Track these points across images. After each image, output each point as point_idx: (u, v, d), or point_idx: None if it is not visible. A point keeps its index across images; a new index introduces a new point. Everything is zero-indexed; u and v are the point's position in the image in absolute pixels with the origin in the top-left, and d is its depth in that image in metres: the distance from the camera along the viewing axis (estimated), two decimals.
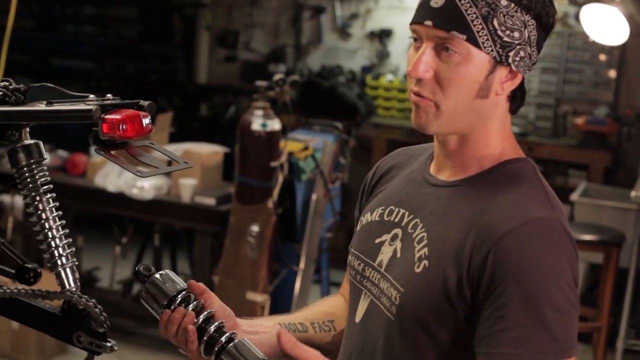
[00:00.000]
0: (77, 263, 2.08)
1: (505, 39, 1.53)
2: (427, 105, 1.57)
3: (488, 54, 1.53)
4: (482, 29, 1.51)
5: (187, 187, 5.17)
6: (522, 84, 1.61)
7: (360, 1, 8.01)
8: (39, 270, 2.20)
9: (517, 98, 1.62)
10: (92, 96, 1.81)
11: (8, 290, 2.09)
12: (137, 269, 1.74)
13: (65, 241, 2.05)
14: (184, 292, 1.70)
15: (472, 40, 1.52)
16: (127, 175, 5.26)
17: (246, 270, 4.82)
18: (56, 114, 1.82)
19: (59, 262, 2.04)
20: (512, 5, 1.53)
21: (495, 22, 1.52)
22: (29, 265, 2.19)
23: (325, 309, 1.95)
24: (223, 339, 1.60)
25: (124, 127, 1.69)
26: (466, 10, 1.51)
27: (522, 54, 1.55)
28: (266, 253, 4.80)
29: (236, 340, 1.60)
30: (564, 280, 1.47)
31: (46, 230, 2.04)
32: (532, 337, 1.44)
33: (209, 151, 5.46)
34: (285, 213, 4.97)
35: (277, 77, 4.86)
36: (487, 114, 1.59)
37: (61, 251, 2.04)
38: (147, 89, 8.95)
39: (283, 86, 4.81)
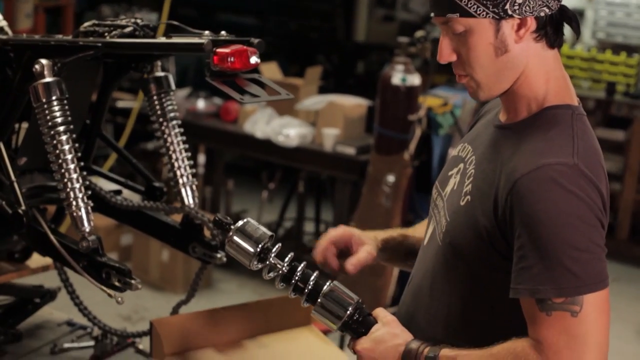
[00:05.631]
0: (196, 184, 2.35)
1: None
2: (468, 80, 1.74)
3: (485, 17, 1.65)
4: (469, 0, 1.64)
5: (330, 136, 5.41)
6: (551, 18, 1.68)
7: None
8: (164, 189, 2.49)
9: (549, 33, 1.70)
10: (207, 32, 2.06)
11: (137, 204, 2.39)
12: (216, 217, 1.87)
13: (187, 163, 2.33)
14: (269, 243, 1.86)
15: (466, 14, 1.65)
16: (275, 123, 5.54)
17: (380, 218, 5.01)
18: (171, 45, 2.08)
19: (180, 181, 2.32)
20: None
21: None
22: (157, 184, 2.48)
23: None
24: (325, 288, 1.82)
25: (231, 59, 1.92)
26: None
27: (519, 0, 1.63)
28: (400, 203, 4.98)
29: (332, 285, 1.82)
30: (579, 220, 1.56)
31: (170, 153, 2.32)
32: (551, 274, 1.55)
33: (353, 103, 5.66)
34: (422, 166, 5.13)
35: (418, 33, 5.01)
36: (520, 62, 1.70)
37: (183, 171, 2.33)
38: (307, 46, 9.23)
39: (424, 43, 4.96)
